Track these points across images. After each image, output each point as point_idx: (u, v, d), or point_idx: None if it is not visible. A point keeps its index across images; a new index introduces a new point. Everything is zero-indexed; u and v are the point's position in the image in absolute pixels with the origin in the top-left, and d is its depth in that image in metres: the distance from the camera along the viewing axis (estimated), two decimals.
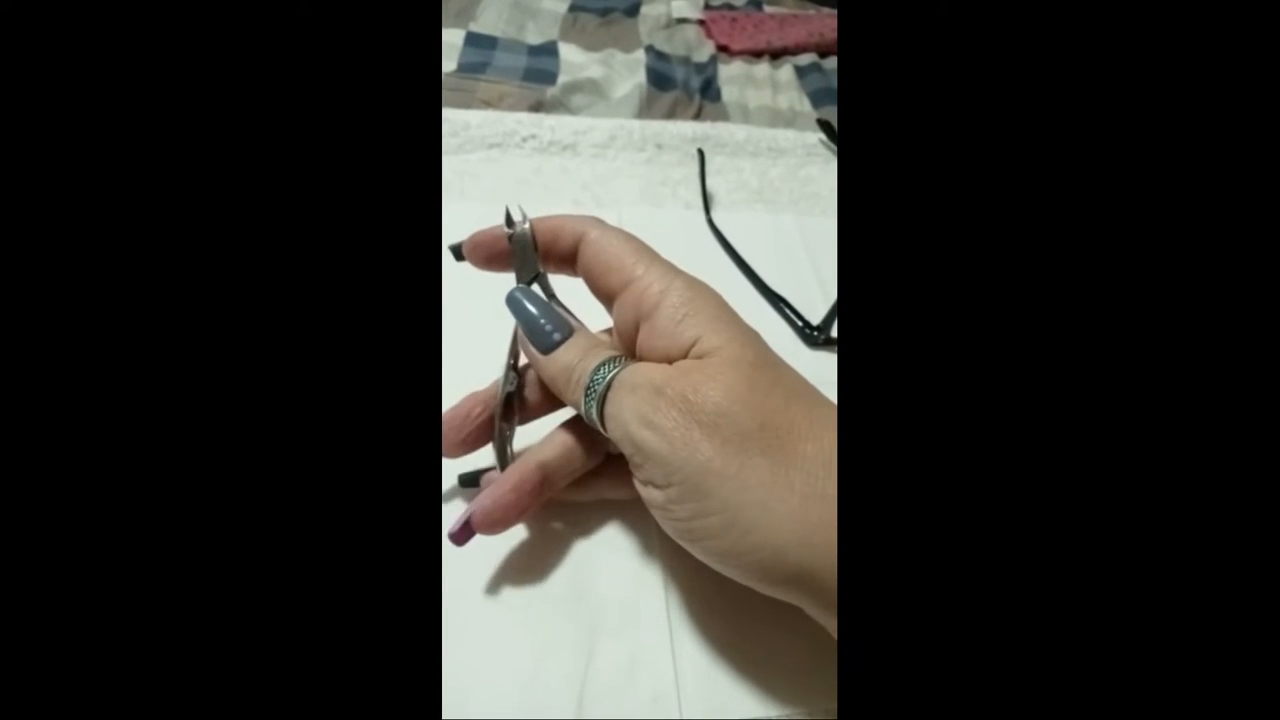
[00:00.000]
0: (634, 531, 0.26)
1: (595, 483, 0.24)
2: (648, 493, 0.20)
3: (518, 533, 0.25)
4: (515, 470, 0.22)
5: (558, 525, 0.26)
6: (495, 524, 0.22)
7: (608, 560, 0.25)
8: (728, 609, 0.24)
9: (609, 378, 0.20)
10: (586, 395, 0.20)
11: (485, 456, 0.25)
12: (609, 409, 0.20)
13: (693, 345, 0.20)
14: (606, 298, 0.23)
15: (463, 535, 0.22)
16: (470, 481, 0.26)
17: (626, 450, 0.20)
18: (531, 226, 0.23)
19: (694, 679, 0.22)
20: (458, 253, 0.24)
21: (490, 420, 0.24)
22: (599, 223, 0.23)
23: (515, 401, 0.24)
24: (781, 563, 0.17)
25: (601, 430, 0.21)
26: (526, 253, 0.23)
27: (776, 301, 0.37)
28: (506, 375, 0.24)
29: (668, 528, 0.20)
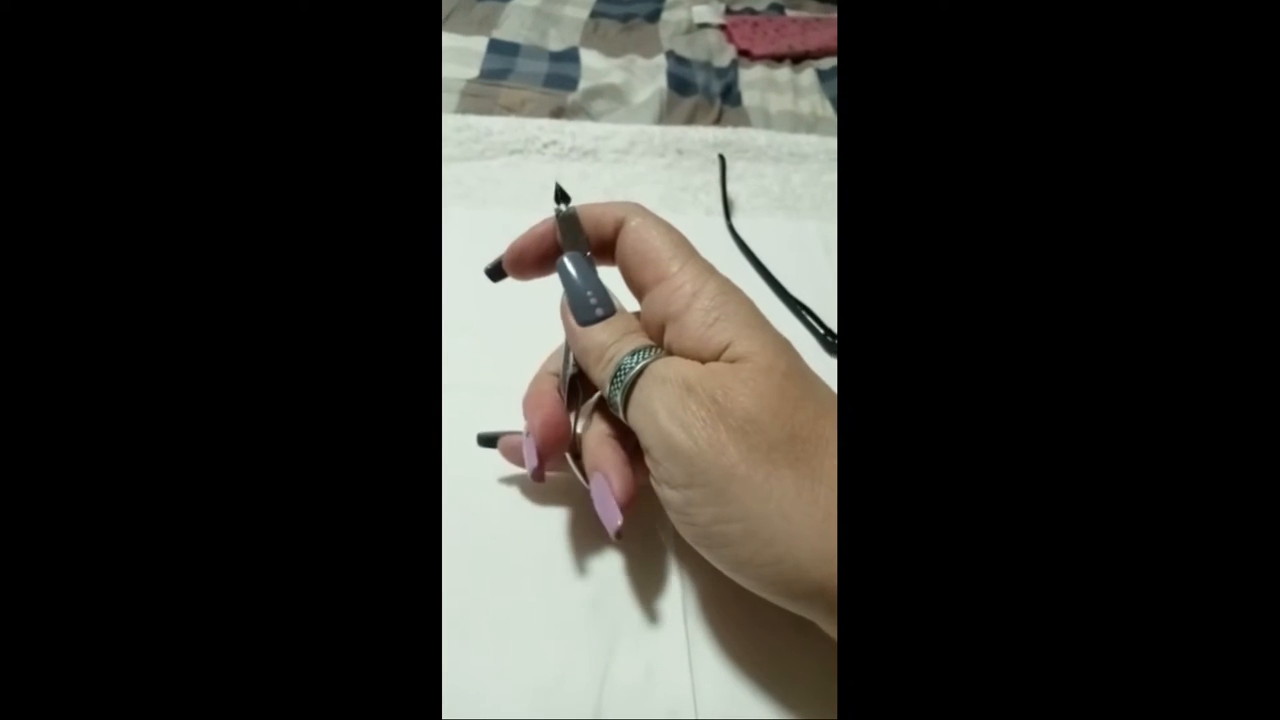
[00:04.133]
0: (652, 541, 0.26)
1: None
2: (664, 492, 0.20)
3: (535, 539, 0.25)
4: (619, 474, 0.22)
5: (576, 532, 0.26)
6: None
7: (625, 569, 0.25)
8: (745, 618, 0.23)
9: (640, 366, 0.20)
10: (614, 379, 0.20)
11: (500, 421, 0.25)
12: (636, 396, 0.20)
13: (724, 349, 0.20)
14: (639, 290, 0.22)
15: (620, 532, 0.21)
16: (489, 442, 0.25)
17: (647, 443, 0.20)
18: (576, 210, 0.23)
19: (711, 689, 0.22)
20: (494, 273, 0.24)
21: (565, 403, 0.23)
22: (641, 210, 0.23)
23: (580, 384, 0.24)
24: (802, 577, 0.17)
25: (621, 416, 0.21)
26: (574, 230, 0.23)
27: (797, 308, 0.37)
28: (568, 359, 0.23)
29: (685, 532, 0.20)
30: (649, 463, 0.20)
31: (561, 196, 0.23)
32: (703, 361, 0.20)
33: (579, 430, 0.24)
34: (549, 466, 0.23)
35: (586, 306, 0.22)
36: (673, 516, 0.20)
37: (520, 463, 0.25)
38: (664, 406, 0.19)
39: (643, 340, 0.21)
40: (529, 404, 0.23)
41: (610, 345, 0.21)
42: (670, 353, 0.21)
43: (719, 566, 0.19)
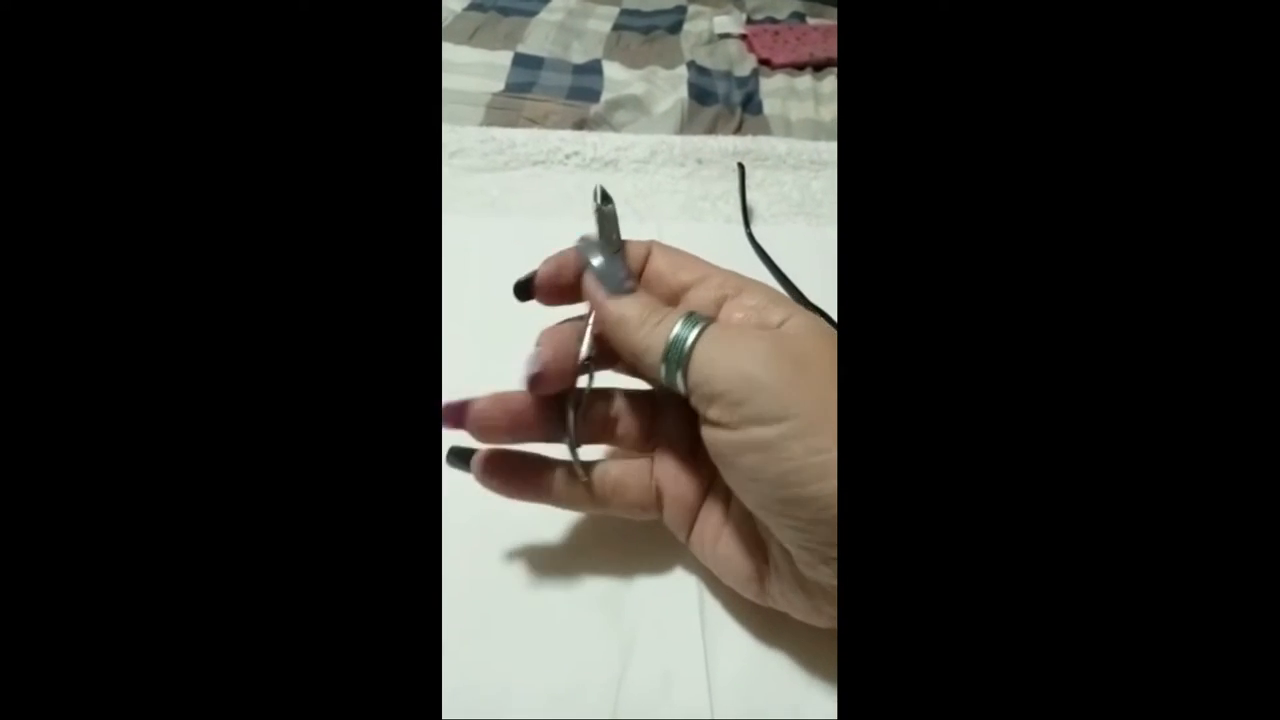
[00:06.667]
0: (669, 547, 0.26)
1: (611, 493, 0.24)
2: (751, 434, 0.19)
3: (553, 546, 0.26)
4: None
5: (591, 537, 0.26)
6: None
7: (642, 575, 0.25)
8: (764, 625, 0.23)
9: (700, 328, 0.20)
10: (671, 347, 0.20)
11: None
12: (702, 351, 0.20)
13: (783, 322, 0.21)
14: (678, 292, 0.23)
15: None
16: (460, 457, 0.23)
17: (721, 388, 0.19)
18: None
19: (728, 696, 0.22)
20: (522, 292, 0.23)
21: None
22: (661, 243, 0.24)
23: (591, 368, 0.23)
24: None
25: (678, 382, 0.20)
26: (611, 228, 0.23)
27: (816, 314, 0.36)
28: (587, 341, 0.23)
29: (770, 474, 0.18)
30: (725, 408, 0.19)
31: (605, 199, 0.23)
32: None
33: (574, 419, 0.23)
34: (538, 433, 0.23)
35: (616, 279, 0.22)
36: (753, 463, 0.19)
37: (497, 480, 0.23)
38: (743, 351, 0.19)
39: (686, 308, 0.21)
40: (546, 332, 0.23)
41: (649, 315, 0.21)
42: None
43: (796, 518, 0.18)
